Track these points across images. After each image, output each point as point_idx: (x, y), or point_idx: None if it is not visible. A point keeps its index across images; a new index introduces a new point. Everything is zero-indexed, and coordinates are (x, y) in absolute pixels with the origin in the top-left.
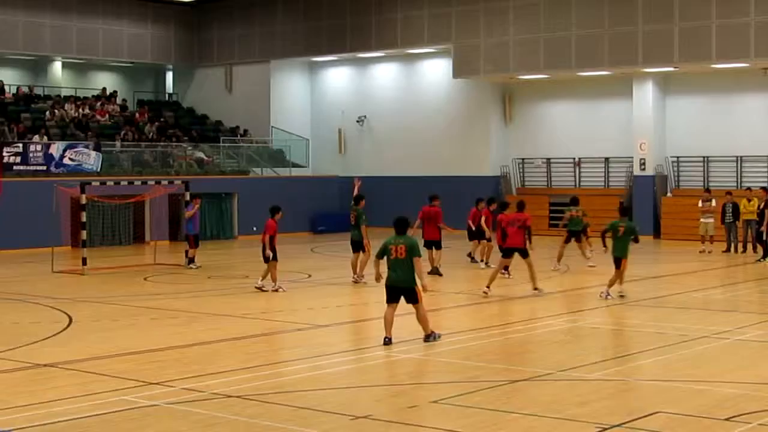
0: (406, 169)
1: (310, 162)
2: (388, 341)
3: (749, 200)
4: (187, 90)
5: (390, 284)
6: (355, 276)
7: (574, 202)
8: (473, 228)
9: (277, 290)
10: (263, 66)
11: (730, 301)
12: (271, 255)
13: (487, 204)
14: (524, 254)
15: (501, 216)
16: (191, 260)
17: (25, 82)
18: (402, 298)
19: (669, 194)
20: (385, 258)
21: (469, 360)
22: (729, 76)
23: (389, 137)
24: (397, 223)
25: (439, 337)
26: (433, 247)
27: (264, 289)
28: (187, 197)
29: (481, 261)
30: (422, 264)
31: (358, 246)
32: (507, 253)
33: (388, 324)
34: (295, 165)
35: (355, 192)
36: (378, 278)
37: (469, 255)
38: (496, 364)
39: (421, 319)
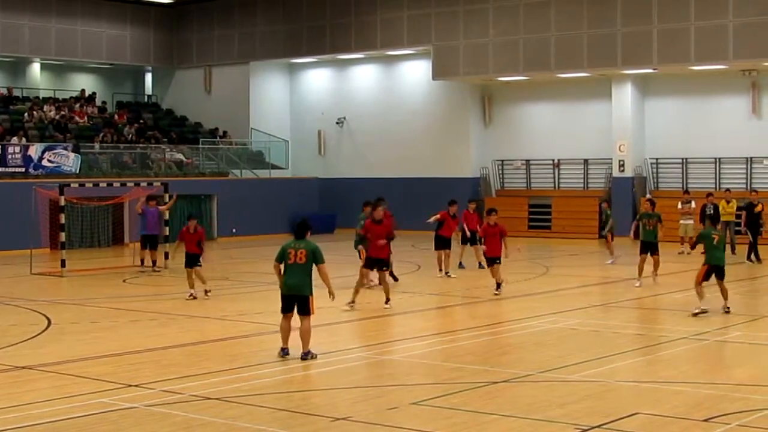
0: (385, 170)
1: (290, 163)
2: (285, 353)
3: (728, 201)
4: (166, 91)
5: (285, 293)
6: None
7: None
8: (467, 233)
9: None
10: (242, 67)
11: (709, 303)
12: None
13: (449, 204)
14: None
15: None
16: (153, 263)
17: (3, 83)
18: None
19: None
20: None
21: (449, 361)
22: (708, 78)
23: (369, 139)
24: (297, 227)
25: (316, 357)
26: (381, 267)
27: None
28: (166, 199)
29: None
30: (328, 270)
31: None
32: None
33: (285, 335)
34: (274, 166)
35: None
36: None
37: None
38: (476, 366)
39: (304, 334)
